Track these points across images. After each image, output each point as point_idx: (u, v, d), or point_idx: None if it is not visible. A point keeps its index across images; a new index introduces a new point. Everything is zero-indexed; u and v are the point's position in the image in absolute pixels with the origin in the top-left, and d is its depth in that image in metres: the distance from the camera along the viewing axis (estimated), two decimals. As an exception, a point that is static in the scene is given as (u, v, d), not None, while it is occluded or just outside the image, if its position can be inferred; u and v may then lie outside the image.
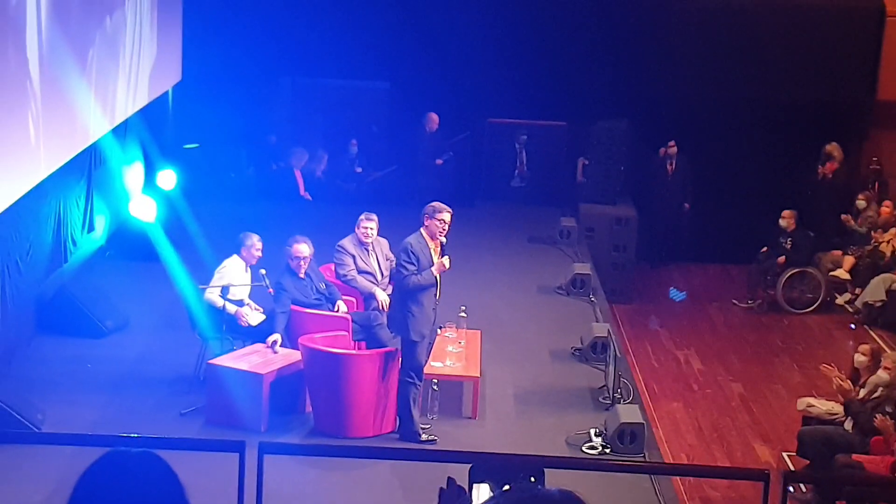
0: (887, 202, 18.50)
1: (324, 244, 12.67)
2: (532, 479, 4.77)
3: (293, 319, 11.93)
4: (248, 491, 6.40)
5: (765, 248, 18.34)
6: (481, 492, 4.69)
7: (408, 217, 12.02)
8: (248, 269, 12.08)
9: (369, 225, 12.48)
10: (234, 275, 11.92)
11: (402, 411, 11.03)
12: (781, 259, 17.99)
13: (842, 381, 12.05)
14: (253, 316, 11.98)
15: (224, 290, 11.70)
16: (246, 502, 6.40)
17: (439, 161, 19.31)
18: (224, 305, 11.71)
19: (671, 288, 19.03)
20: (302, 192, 19.20)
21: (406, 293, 10.81)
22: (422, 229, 10.98)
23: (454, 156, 19.58)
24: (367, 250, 12.51)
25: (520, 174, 20.38)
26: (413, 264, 10.80)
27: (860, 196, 18.83)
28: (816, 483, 11.86)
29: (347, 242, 12.50)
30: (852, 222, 18.58)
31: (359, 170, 19.70)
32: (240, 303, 11.98)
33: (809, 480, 12.16)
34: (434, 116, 19.31)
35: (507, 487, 4.85)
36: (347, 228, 12.66)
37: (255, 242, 12.07)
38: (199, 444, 8.99)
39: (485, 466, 5.04)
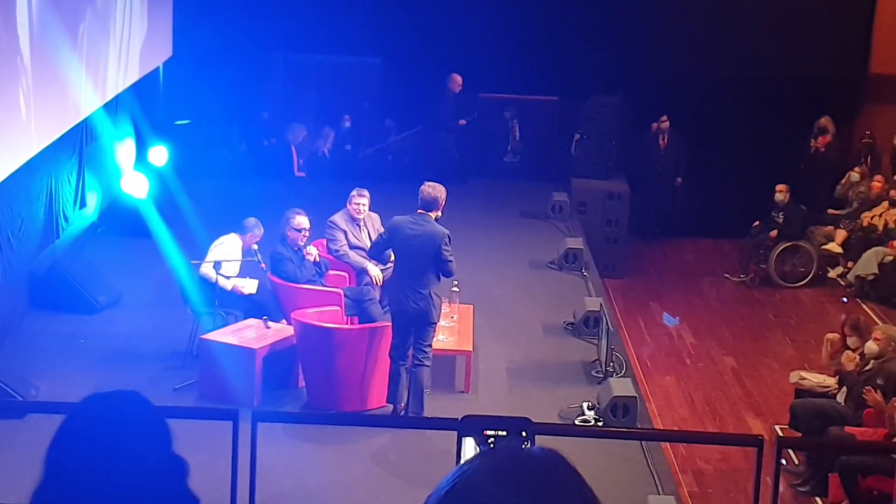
0: (878, 177, 18.50)
1: (316, 220, 12.66)
2: (523, 433, 4.79)
3: (285, 294, 11.95)
4: (241, 460, 6.41)
5: (757, 223, 18.35)
6: (467, 447, 4.71)
7: (406, 193, 12.00)
8: (242, 250, 12.10)
9: (361, 201, 12.43)
10: (229, 252, 11.93)
11: (416, 393, 10.84)
12: (773, 233, 18.01)
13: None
14: (249, 285, 12.02)
15: (217, 265, 11.71)
16: (240, 470, 6.41)
17: (463, 121, 19.32)
18: (217, 279, 11.73)
19: (665, 314, 18.99)
20: (296, 171, 19.16)
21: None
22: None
23: (477, 113, 19.62)
24: (359, 226, 12.48)
25: (513, 149, 20.37)
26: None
27: (855, 169, 18.83)
28: (809, 449, 11.90)
29: (339, 218, 12.48)
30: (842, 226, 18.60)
31: (348, 147, 19.65)
32: (254, 271, 12.05)
33: (802, 447, 12.18)
34: (457, 77, 19.16)
35: (491, 441, 4.88)
36: (339, 204, 12.65)
37: (260, 232, 12.13)
38: (192, 413, 9.00)
39: (474, 423, 5.08)
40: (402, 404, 10.87)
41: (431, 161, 18.43)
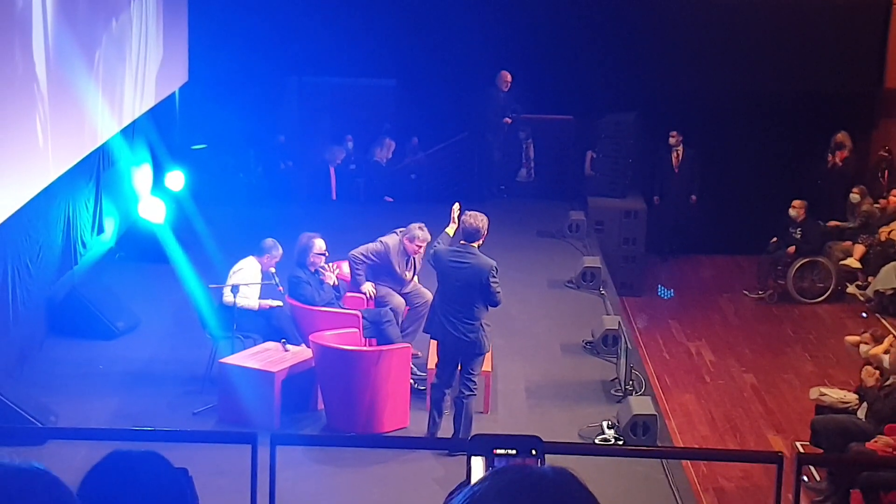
0: (895, 191, 18.46)
1: (340, 244, 12.64)
2: (533, 451, 4.76)
3: (303, 317, 11.96)
4: (261, 484, 6.41)
5: (775, 239, 18.31)
6: (475, 466, 4.70)
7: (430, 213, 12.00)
8: (261, 273, 12.11)
9: (425, 241, 12.04)
10: (248, 277, 11.96)
11: (466, 423, 10.70)
12: (791, 249, 17.96)
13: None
14: (273, 301, 12.11)
15: (234, 289, 11.71)
16: (259, 494, 6.40)
17: (508, 120, 19.25)
18: (241, 303, 11.74)
19: (659, 285, 18.98)
20: (334, 195, 19.14)
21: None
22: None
23: (521, 110, 19.54)
24: (408, 261, 12.40)
25: (527, 169, 20.35)
26: None
27: (854, 190, 18.68)
28: (829, 465, 11.85)
29: (392, 245, 12.20)
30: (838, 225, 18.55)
31: (352, 167, 19.57)
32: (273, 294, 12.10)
33: (823, 463, 12.13)
34: (507, 75, 19.03)
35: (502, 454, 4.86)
36: (361, 229, 12.58)
37: (278, 252, 12.15)
38: (211, 437, 9.01)
39: (484, 442, 5.05)
40: (438, 433, 10.82)
41: (453, 178, 18.45)
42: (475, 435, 5.72)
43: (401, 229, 12.30)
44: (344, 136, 19.79)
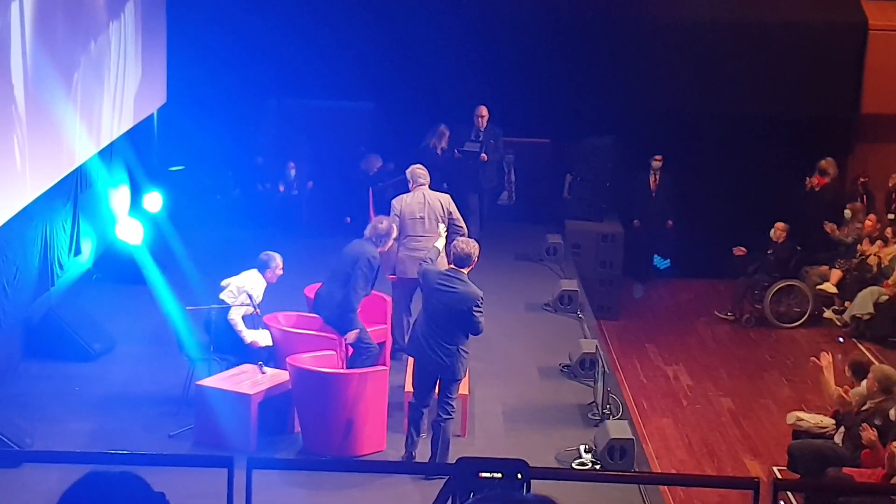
0: (871, 216, 18.58)
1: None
2: (519, 475, 4.78)
3: (281, 340, 11.94)
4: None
5: (753, 265, 18.44)
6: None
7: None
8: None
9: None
10: (257, 291, 12.01)
11: (444, 447, 10.74)
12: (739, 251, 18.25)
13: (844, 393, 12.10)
14: (263, 337, 12.10)
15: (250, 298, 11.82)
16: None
17: (484, 156, 18.10)
18: (242, 331, 11.90)
19: (655, 255, 19.08)
20: (372, 212, 18.95)
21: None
22: None
23: (500, 133, 18.75)
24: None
25: (508, 192, 20.34)
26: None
27: (848, 206, 18.91)
28: (806, 490, 11.86)
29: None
30: (837, 232, 18.67)
31: (294, 192, 19.41)
32: (254, 318, 12.05)
33: (799, 488, 12.14)
34: (482, 110, 18.29)
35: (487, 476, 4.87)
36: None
37: (279, 263, 12.21)
38: (186, 461, 8.97)
39: (469, 465, 5.04)
40: (415, 452, 10.83)
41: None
42: (461, 458, 5.71)
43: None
44: (322, 158, 19.75)
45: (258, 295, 11.99)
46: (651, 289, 19.90)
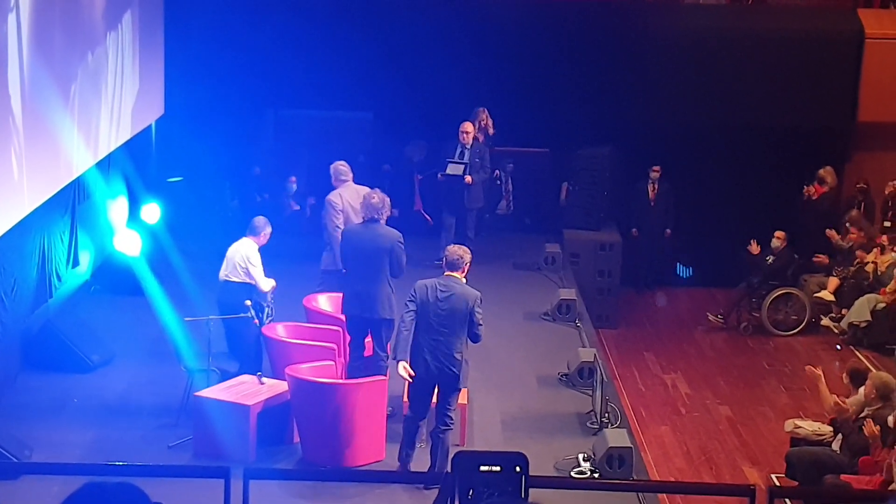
0: (853, 228, 18.63)
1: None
2: (517, 468, 4.83)
3: (279, 350, 11.96)
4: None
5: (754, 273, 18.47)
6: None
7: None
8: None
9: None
10: (254, 256, 12.35)
11: (443, 457, 10.59)
12: (754, 248, 18.19)
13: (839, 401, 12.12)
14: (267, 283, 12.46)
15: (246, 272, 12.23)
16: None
17: (468, 179, 17.23)
18: (259, 283, 12.26)
19: (677, 263, 19.16)
20: (419, 205, 18.94)
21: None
22: None
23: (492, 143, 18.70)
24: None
25: (506, 201, 20.35)
26: None
27: (847, 215, 18.96)
28: (804, 498, 11.87)
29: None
30: (837, 237, 18.70)
31: (259, 198, 19.43)
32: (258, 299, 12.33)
33: (797, 496, 12.15)
34: (468, 126, 17.69)
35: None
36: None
37: (269, 229, 12.55)
38: (183, 471, 8.97)
39: (468, 459, 5.05)
40: (410, 466, 10.81)
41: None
42: (459, 451, 5.72)
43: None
44: (320, 168, 19.72)
45: (256, 260, 12.27)
46: (649, 297, 19.91)
